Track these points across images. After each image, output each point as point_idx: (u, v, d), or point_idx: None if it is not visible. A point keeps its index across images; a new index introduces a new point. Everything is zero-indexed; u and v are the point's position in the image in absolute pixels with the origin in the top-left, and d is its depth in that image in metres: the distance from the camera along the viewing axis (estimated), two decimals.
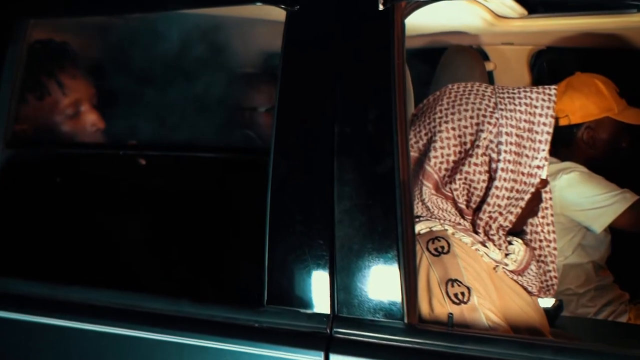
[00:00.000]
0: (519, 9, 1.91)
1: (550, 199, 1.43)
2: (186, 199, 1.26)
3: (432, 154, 1.30)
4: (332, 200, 1.09)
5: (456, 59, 2.06)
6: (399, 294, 1.05)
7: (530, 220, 1.41)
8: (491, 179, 1.27)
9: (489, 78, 2.28)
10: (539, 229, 1.43)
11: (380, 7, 1.13)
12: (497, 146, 1.26)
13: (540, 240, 1.43)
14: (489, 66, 2.27)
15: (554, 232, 1.44)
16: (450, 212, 1.32)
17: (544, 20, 2.03)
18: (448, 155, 1.29)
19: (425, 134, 1.32)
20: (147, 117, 1.67)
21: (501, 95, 1.31)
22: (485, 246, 1.29)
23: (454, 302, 1.18)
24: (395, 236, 1.06)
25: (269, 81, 2.22)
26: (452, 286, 1.19)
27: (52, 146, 1.42)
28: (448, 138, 1.29)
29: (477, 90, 1.32)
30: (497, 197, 1.26)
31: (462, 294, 1.18)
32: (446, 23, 1.96)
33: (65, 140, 1.48)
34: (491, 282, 1.25)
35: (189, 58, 2.13)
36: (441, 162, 1.30)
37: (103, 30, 1.73)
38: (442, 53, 2.19)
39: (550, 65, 2.36)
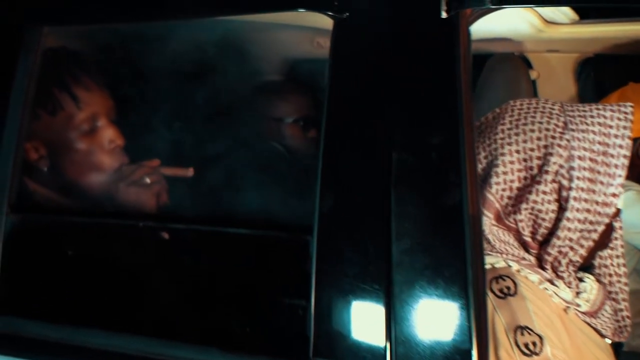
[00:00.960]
0: (572, 14, 1.76)
1: (621, 228, 1.27)
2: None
3: (494, 179, 1.15)
4: (389, 239, 0.94)
5: (501, 68, 1.91)
6: (468, 348, 0.90)
7: (599, 252, 1.26)
8: (561, 209, 1.12)
9: (533, 88, 2.12)
10: (608, 262, 1.28)
11: (444, 15, 0.99)
12: (568, 172, 1.11)
13: (610, 275, 1.27)
14: (532, 75, 2.12)
15: (624, 265, 1.29)
16: (513, 245, 1.17)
17: (595, 27, 1.87)
18: (512, 181, 1.15)
19: (485, 157, 1.17)
20: (165, 127, 1.53)
21: (571, 113, 1.16)
22: (554, 284, 1.14)
23: (524, 354, 1.02)
24: (464, 282, 0.91)
25: (296, 90, 2.08)
26: (522, 334, 1.04)
27: (63, 213, 1.25)
28: (512, 162, 1.14)
29: (544, 107, 1.17)
30: (569, 229, 1.11)
31: (534, 343, 1.03)
32: (492, 29, 1.81)
33: (79, 166, 1.33)
34: (563, 327, 1.10)
35: (209, 65, 2.00)
36: (504, 189, 1.15)
37: (119, 37, 1.60)
38: (483, 61, 2.05)
39: (597, 74, 2.20)
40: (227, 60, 2.10)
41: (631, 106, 1.16)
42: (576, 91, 2.16)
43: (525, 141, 1.14)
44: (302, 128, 2.01)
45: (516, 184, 1.15)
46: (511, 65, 1.97)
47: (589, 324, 1.17)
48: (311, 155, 1.99)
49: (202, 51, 1.91)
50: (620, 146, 1.12)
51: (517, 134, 1.15)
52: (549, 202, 1.12)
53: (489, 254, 1.16)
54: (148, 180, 1.31)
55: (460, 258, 0.92)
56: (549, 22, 1.81)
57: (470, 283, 0.91)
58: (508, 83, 1.95)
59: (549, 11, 1.69)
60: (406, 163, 0.95)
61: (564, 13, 1.70)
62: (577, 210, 1.11)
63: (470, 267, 0.91)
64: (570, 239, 1.12)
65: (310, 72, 2.18)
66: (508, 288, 1.09)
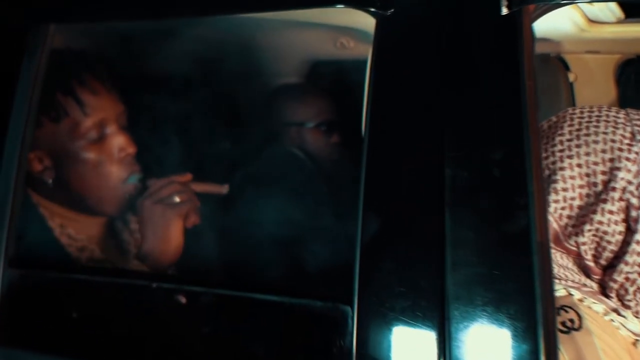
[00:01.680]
0: (619, 13, 1.62)
1: None
2: None
3: (552, 197, 1.02)
4: (444, 269, 0.81)
5: (540, 70, 1.77)
6: None
7: None
8: (630, 231, 0.99)
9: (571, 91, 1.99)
10: None
11: (504, 12, 0.86)
12: (638, 188, 0.98)
13: None
14: (570, 77, 1.98)
15: None
16: (572, 270, 1.04)
17: None
18: (572, 199, 1.02)
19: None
20: (178, 132, 1.41)
21: (637, 122, 1.03)
22: (621, 315, 1.01)
23: None
24: (533, 320, 0.78)
25: (316, 93, 1.96)
26: None
27: (65, 269, 1.10)
28: (572, 177, 1.01)
29: (607, 116, 1.04)
30: (638, 253, 0.98)
31: None
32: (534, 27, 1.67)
33: (87, 177, 1.20)
34: None
35: (224, 65, 1.87)
36: (563, 208, 1.02)
37: (130, 36, 1.48)
38: None
39: (638, 77, 2.06)
40: (243, 61, 1.99)
41: None
42: (616, 95, 2.02)
43: (588, 154, 1.01)
44: (325, 133, 1.89)
45: (577, 202, 1.02)
46: (549, 67, 1.84)
47: None
48: (337, 164, 1.87)
49: (216, 51, 1.79)
50: None
51: (578, 146, 1.02)
52: (615, 222, 0.99)
53: None
54: (177, 199, 1.18)
55: (527, 292, 0.79)
56: (593, 22, 1.68)
57: (540, 322, 0.78)
58: (546, 87, 1.82)
59: (596, 9, 1.56)
60: (462, 181, 0.82)
61: (612, 11, 1.57)
62: None
63: (540, 303, 0.78)
64: None
65: (332, 75, 2.07)
66: (572, 321, 0.96)
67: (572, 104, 1.99)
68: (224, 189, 1.23)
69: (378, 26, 0.91)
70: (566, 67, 1.99)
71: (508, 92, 0.83)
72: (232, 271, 1.30)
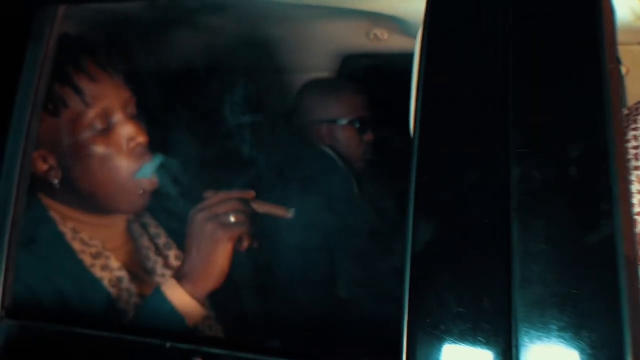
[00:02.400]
0: None
1: None
2: None
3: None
4: (510, 286, 0.68)
5: None
6: None
7: None
8: None
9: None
10: None
11: None
12: None
13: None
14: (622, 70, 1.83)
15: None
16: None
17: None
18: None
19: None
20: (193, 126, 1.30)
21: None
22: None
23: None
24: (620, 349, 0.65)
25: (348, 88, 1.84)
26: None
27: (67, 322, 0.97)
28: None
29: None
30: None
31: None
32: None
33: (97, 174, 1.08)
34: None
35: (250, 58, 1.76)
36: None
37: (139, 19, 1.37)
38: None
39: None
40: (268, 54, 1.87)
41: None
42: None
43: None
44: (358, 130, 1.77)
45: None
46: None
47: None
48: (372, 165, 1.76)
49: (236, 43, 1.68)
50: None
51: None
52: None
53: None
54: (232, 219, 1.06)
55: (612, 316, 0.66)
56: None
57: (629, 351, 0.65)
58: None
59: None
60: (534, 182, 0.70)
61: None
62: None
63: (628, 327, 0.65)
64: None
65: (365, 69, 1.95)
66: None
67: (624, 98, 1.85)
68: (289, 213, 1.10)
69: (430, 5, 0.78)
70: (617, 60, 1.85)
71: (587, 76, 0.70)
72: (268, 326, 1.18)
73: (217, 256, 1.04)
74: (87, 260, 1.09)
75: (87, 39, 1.14)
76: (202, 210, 1.06)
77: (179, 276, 1.05)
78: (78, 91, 1.06)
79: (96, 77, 1.08)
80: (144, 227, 1.23)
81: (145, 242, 1.20)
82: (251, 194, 1.09)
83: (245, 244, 1.09)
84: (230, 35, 1.65)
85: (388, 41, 1.81)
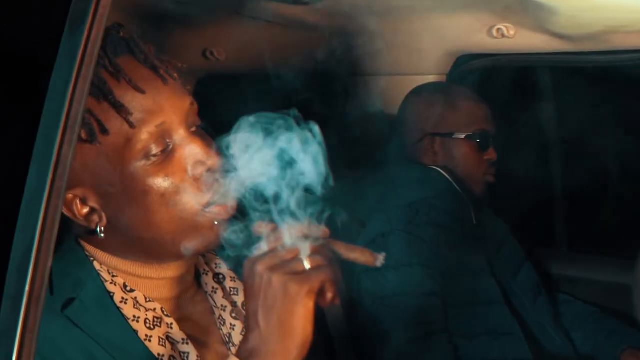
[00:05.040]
0: None
1: None
2: None
3: None
4: None
5: None
6: None
7: None
8: None
9: None
10: None
11: None
12: None
13: None
14: None
15: None
16: None
17: None
18: None
19: None
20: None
21: None
22: None
23: None
24: None
25: (467, 96, 1.60)
26: None
27: None
28: None
29: None
30: None
31: None
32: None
33: (155, 214, 0.81)
34: None
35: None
36: None
37: None
38: None
39: None
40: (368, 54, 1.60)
41: None
42: None
43: None
44: (478, 146, 1.51)
45: None
46: None
47: None
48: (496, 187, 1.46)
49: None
50: None
51: None
52: None
53: None
54: (307, 265, 0.75)
55: None
56: None
57: None
58: None
59: None
60: None
61: None
62: None
63: None
64: None
65: (487, 71, 1.70)
66: None
67: None
68: (379, 260, 0.80)
69: None
70: None
71: None
72: None
73: (294, 320, 0.74)
74: (142, 330, 0.83)
75: (128, 31, 0.87)
76: (263, 257, 0.76)
77: (244, 355, 0.76)
78: (119, 108, 0.78)
79: (144, 84, 0.80)
80: (218, 279, 0.96)
81: (219, 300, 0.93)
82: (325, 232, 0.78)
83: (329, 297, 0.78)
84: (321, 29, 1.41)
85: (515, 38, 1.53)
